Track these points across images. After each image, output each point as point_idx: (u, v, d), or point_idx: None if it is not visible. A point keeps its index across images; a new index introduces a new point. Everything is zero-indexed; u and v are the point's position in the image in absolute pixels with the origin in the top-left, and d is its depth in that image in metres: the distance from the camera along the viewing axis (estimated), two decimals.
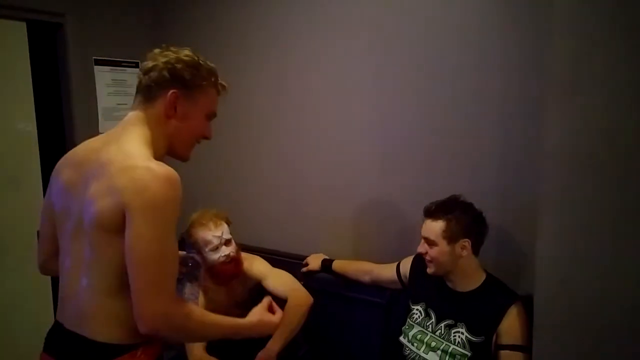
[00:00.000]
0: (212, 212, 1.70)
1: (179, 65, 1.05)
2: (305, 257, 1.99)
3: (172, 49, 1.08)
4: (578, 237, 1.09)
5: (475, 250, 1.45)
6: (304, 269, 1.94)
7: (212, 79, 1.10)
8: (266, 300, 1.20)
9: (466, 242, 1.42)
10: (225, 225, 1.68)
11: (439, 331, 1.47)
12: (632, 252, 1.03)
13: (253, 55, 2.17)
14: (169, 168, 0.96)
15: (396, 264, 1.71)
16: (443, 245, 1.42)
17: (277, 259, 1.95)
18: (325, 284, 1.87)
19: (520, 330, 1.34)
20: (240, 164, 2.30)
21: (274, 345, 1.52)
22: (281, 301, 1.65)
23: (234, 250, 1.68)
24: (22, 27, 2.09)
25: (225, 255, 1.65)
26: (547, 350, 1.18)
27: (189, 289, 1.22)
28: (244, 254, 1.76)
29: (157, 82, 1.04)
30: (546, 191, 1.14)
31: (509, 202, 1.58)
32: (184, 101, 1.06)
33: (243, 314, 1.19)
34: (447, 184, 1.62)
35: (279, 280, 1.72)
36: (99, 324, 0.98)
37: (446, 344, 1.44)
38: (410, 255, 1.67)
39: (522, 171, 1.55)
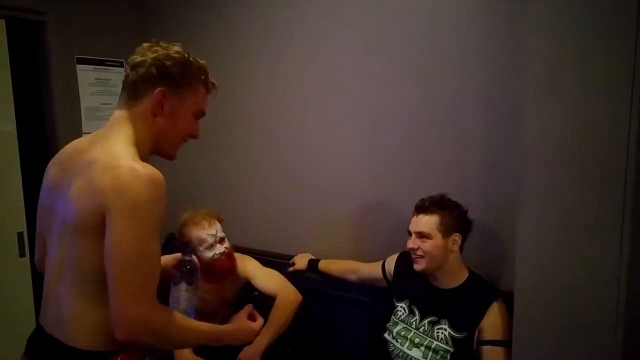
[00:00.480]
0: (204, 210, 1.71)
1: (167, 62, 1.02)
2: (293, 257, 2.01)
3: (161, 44, 1.05)
4: (557, 235, 1.12)
5: (461, 247, 1.49)
6: (291, 269, 1.95)
7: (202, 77, 1.07)
8: (247, 307, 1.19)
9: (457, 237, 1.46)
10: (218, 224, 1.70)
11: (423, 328, 1.49)
12: (609, 248, 1.06)
13: (245, 53, 2.16)
14: (154, 169, 0.93)
15: (381, 262, 1.74)
16: (438, 239, 1.44)
17: (267, 259, 1.95)
18: (311, 283, 1.88)
19: (501, 326, 1.38)
20: (231, 164, 2.29)
21: (261, 341, 1.54)
22: (270, 300, 1.67)
23: (228, 247, 1.70)
24: (1, 24, 2.05)
25: (220, 253, 1.66)
26: (527, 345, 1.21)
27: (186, 293, 1.20)
28: (235, 254, 1.77)
29: (144, 78, 1.01)
30: (525, 190, 1.17)
31: (492, 201, 1.62)
32: (172, 99, 1.03)
33: (231, 314, 1.20)
34: (433, 183, 1.65)
35: (269, 279, 1.74)
36: (77, 330, 0.95)
37: (429, 340, 1.46)
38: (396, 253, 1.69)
39: (504, 170, 1.59)
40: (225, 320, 1.22)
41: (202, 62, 1.08)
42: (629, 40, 1.00)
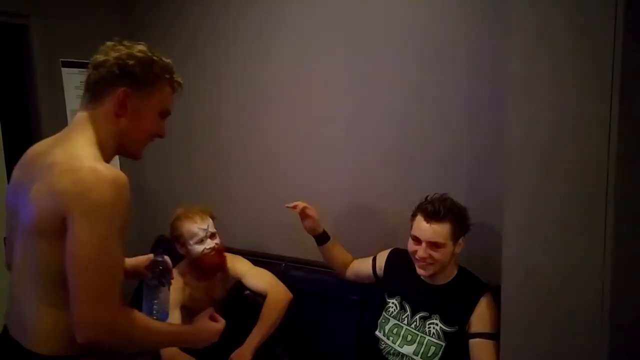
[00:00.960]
0: (197, 207, 1.75)
1: (130, 62, 0.99)
2: (287, 258, 2.01)
3: (125, 43, 1.02)
4: (542, 229, 1.12)
5: None
6: (294, 205, 1.72)
7: (167, 76, 1.05)
8: (208, 310, 1.18)
9: (462, 240, 1.46)
10: (210, 220, 1.73)
11: (414, 323, 1.49)
12: (593, 242, 1.06)
13: (233, 54, 2.14)
14: (117, 170, 0.91)
15: (372, 257, 1.73)
16: (449, 246, 1.42)
17: (259, 260, 1.94)
18: (301, 282, 1.88)
19: (490, 320, 1.38)
20: (221, 166, 2.27)
21: (252, 339, 1.55)
22: (261, 299, 1.68)
23: (218, 243, 1.72)
24: None
25: (210, 248, 1.68)
26: (514, 338, 1.20)
27: (158, 294, 1.19)
28: (226, 254, 1.78)
29: (107, 78, 0.99)
30: (511, 185, 1.16)
31: (480, 197, 1.61)
32: (135, 99, 1.00)
33: (220, 314, 1.20)
34: (421, 182, 1.66)
35: (259, 277, 1.76)
36: (38, 334, 0.94)
37: (421, 336, 1.46)
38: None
39: (492, 167, 1.59)
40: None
41: (167, 60, 1.05)
42: (608, 36, 1.00)
